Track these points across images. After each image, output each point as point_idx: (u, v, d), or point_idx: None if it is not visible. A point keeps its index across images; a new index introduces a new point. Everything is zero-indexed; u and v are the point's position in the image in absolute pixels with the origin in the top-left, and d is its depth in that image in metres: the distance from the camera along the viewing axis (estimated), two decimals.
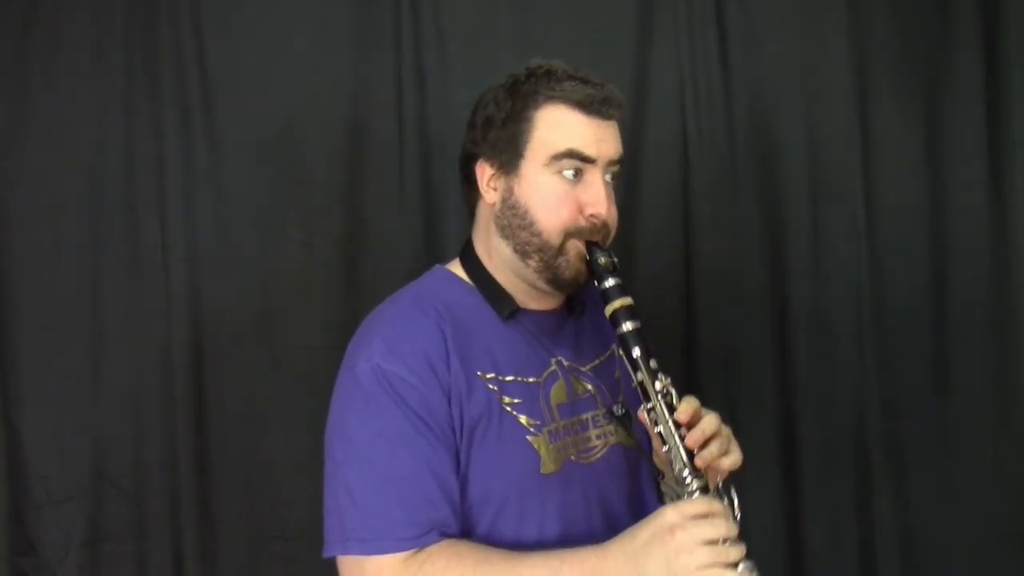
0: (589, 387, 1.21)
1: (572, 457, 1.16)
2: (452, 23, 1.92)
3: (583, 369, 1.23)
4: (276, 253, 1.85)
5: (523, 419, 1.13)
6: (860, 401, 2.05)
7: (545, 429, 1.14)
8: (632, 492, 1.22)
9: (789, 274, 2.05)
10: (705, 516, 0.99)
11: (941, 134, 2.10)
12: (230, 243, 1.84)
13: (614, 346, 1.28)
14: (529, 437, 1.12)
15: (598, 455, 1.19)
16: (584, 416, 1.19)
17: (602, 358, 1.27)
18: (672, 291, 1.99)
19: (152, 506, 1.79)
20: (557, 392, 1.17)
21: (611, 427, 1.21)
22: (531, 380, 1.16)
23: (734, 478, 1.12)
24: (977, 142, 2.09)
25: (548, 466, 1.12)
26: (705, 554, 0.97)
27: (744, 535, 1.03)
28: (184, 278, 1.81)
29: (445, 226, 1.90)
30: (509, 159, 1.16)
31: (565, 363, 1.20)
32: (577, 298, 1.27)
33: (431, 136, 1.90)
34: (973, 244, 2.09)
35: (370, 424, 1.07)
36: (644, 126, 2.01)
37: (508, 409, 1.12)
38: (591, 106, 1.14)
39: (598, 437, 1.19)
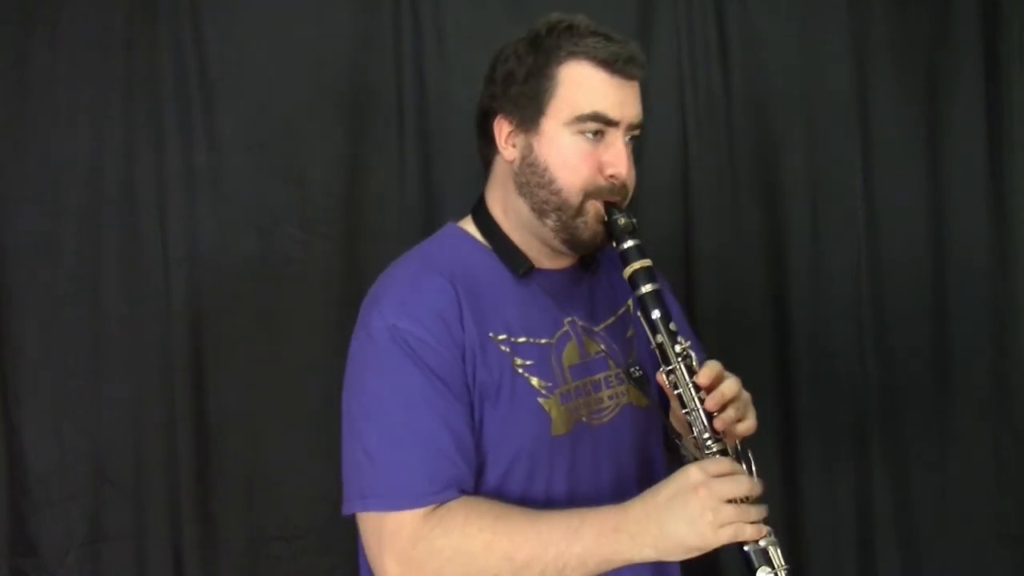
0: (602, 347, 1.20)
1: (583, 418, 1.15)
2: (452, 23, 1.92)
3: (596, 329, 1.22)
4: (276, 253, 1.85)
5: (535, 381, 1.12)
6: (860, 400, 2.05)
7: (557, 391, 1.13)
8: (642, 453, 1.22)
9: (789, 274, 2.05)
10: (728, 476, 0.99)
11: (941, 134, 2.10)
12: (230, 243, 1.84)
13: (629, 302, 1.27)
14: (541, 400, 1.12)
15: (609, 416, 1.18)
16: (597, 377, 1.19)
17: (616, 316, 1.26)
18: (672, 291, 1.99)
19: (152, 506, 1.79)
20: (569, 353, 1.17)
21: (623, 388, 1.20)
22: (543, 341, 1.15)
23: (749, 444, 1.12)
24: (977, 142, 2.10)
25: (559, 428, 1.12)
26: (729, 512, 0.97)
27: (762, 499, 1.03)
28: (184, 278, 1.81)
29: None
30: (530, 116, 1.14)
31: (579, 323, 1.19)
32: (592, 256, 1.26)
33: (431, 136, 1.90)
34: (973, 244, 2.09)
35: (388, 382, 1.06)
36: (644, 126, 2.00)
37: (520, 371, 1.12)
38: (615, 65, 1.12)
39: (610, 398, 1.19)
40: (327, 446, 1.78)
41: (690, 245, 2.01)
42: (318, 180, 1.88)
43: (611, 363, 1.21)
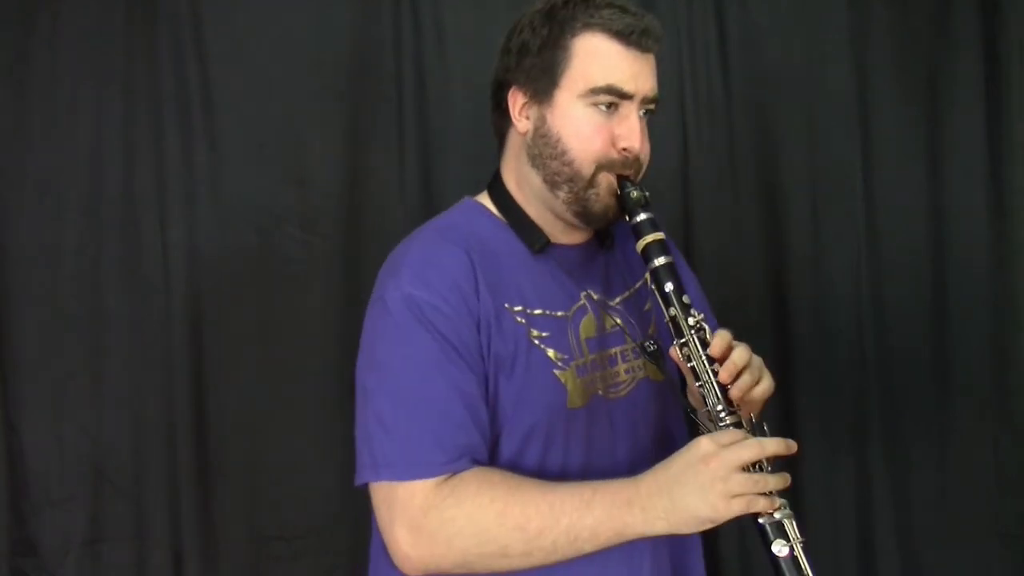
0: (618, 321, 1.19)
1: (600, 391, 1.15)
2: (452, 23, 1.92)
3: (612, 303, 1.21)
4: (276, 253, 1.85)
5: (551, 353, 1.11)
6: (860, 400, 2.05)
7: (573, 363, 1.13)
8: (659, 426, 1.21)
9: (789, 274, 2.05)
10: (740, 442, 0.99)
11: (941, 134, 2.10)
12: (230, 243, 1.84)
13: (646, 276, 1.24)
14: (556, 371, 1.11)
15: (626, 389, 1.18)
16: (613, 350, 1.18)
17: (632, 290, 1.25)
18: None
19: (152, 506, 1.79)
20: (586, 326, 1.16)
21: (639, 362, 1.20)
22: (559, 314, 1.14)
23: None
24: (977, 142, 2.10)
25: (575, 400, 1.12)
26: (741, 482, 0.97)
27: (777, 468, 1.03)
28: (184, 278, 1.81)
29: None
30: (544, 87, 1.13)
31: (595, 296, 1.19)
32: (607, 231, 1.25)
33: (431, 136, 1.90)
34: (973, 244, 2.09)
35: (401, 351, 1.05)
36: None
37: (536, 342, 1.11)
38: (630, 37, 1.10)
39: (627, 372, 1.18)
40: (327, 446, 1.79)
41: (690, 244, 2.01)
42: (318, 180, 1.88)
43: (627, 337, 1.20)
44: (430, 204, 1.89)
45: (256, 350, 1.83)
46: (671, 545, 1.18)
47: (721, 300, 1.99)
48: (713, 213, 2.01)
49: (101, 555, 1.77)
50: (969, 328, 2.08)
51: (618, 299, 1.22)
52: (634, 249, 1.18)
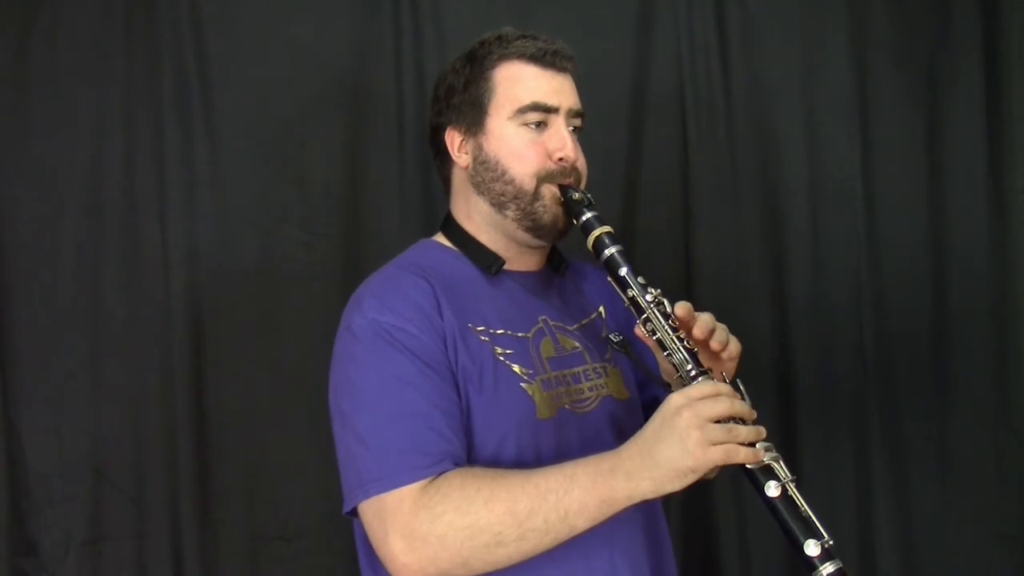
0: (577, 344, 1.25)
1: (566, 406, 1.18)
2: (452, 23, 1.92)
3: (570, 328, 1.26)
4: (276, 253, 1.85)
5: (516, 368, 1.16)
6: (860, 400, 2.05)
7: (538, 378, 1.17)
8: (624, 441, 1.24)
9: (789, 274, 2.05)
10: (711, 397, 1.00)
11: (941, 134, 2.10)
12: (230, 243, 1.84)
13: (600, 309, 1.33)
14: (523, 384, 1.15)
15: (591, 406, 1.21)
16: (575, 369, 1.22)
17: (587, 319, 1.30)
18: (672, 291, 1.98)
19: (152, 506, 1.79)
20: (545, 347, 1.21)
21: (602, 381, 1.24)
22: (520, 335, 1.19)
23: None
24: (977, 142, 2.09)
25: (543, 412, 1.15)
26: (716, 430, 0.98)
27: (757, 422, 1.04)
28: (184, 278, 1.81)
29: None
30: (475, 119, 1.22)
31: (551, 322, 1.24)
32: (560, 256, 1.32)
33: None
34: (973, 244, 2.09)
35: (374, 371, 1.09)
36: (644, 126, 2.01)
37: (501, 359, 1.15)
38: (544, 58, 1.21)
39: (590, 389, 1.22)
40: (327, 446, 1.79)
41: (690, 245, 2.01)
42: (318, 180, 1.88)
43: (587, 358, 1.25)
44: (430, 204, 1.90)
45: (256, 350, 1.83)
46: (647, 542, 1.20)
47: (720, 299, 2.00)
48: (713, 213, 2.01)
49: (101, 555, 1.77)
50: (969, 328, 2.08)
51: (575, 326, 1.27)
52: (586, 282, 1.29)
